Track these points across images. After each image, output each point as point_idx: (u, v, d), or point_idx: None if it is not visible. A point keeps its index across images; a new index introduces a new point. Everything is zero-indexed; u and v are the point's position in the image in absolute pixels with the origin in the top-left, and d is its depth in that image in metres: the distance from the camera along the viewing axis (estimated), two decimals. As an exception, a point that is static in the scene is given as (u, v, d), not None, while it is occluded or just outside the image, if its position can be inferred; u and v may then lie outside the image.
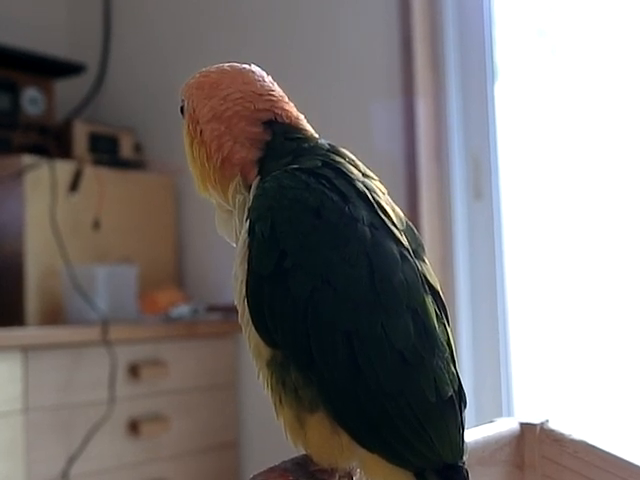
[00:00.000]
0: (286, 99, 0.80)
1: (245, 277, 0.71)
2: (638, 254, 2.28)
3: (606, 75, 2.34)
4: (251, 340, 0.71)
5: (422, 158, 2.40)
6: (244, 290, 0.71)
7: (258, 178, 0.75)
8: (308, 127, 0.80)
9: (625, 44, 2.31)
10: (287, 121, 0.78)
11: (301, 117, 0.80)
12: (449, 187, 2.44)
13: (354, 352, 0.67)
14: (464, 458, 0.69)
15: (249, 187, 0.76)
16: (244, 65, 0.81)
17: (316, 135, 0.79)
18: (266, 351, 0.70)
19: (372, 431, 0.67)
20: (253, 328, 0.71)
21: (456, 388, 0.70)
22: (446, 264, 2.42)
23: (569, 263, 2.38)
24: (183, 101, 0.81)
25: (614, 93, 2.32)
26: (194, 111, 0.79)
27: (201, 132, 0.78)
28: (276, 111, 0.78)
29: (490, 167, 2.40)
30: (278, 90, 0.80)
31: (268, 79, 0.80)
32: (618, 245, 2.31)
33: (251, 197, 0.74)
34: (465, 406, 0.71)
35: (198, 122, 0.78)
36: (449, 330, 0.73)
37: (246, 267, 0.71)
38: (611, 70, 2.33)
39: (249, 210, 0.73)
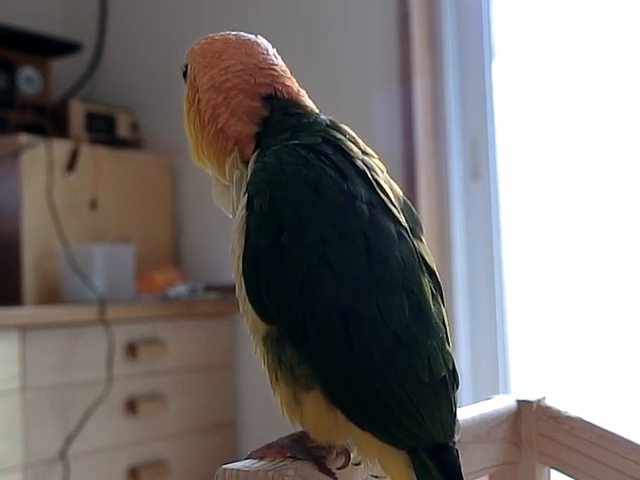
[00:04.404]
0: (288, 74, 0.79)
1: (242, 252, 0.71)
2: (632, 233, 2.28)
3: (603, 54, 2.33)
4: (248, 315, 0.71)
5: (419, 138, 2.40)
6: (241, 265, 0.71)
7: (257, 152, 0.74)
8: (309, 103, 0.79)
9: (622, 24, 2.31)
10: (287, 96, 0.77)
11: (302, 92, 0.79)
12: (446, 167, 2.43)
13: (348, 330, 0.67)
14: (456, 438, 0.69)
15: (246, 162, 0.75)
16: (250, 36, 0.80)
17: (317, 111, 0.79)
18: (262, 327, 0.70)
19: (364, 410, 0.67)
20: (249, 303, 0.71)
21: (450, 368, 0.70)
22: (443, 244, 2.42)
23: (565, 243, 2.39)
24: (186, 65, 0.81)
25: (611, 72, 2.32)
26: (194, 78, 0.79)
27: (198, 101, 0.78)
28: (277, 86, 0.77)
29: (487, 147, 2.40)
30: (281, 64, 0.79)
31: (272, 52, 0.80)
32: (614, 223, 2.32)
33: (249, 171, 0.74)
34: (458, 386, 0.71)
35: (197, 90, 0.78)
36: (444, 310, 0.73)
37: (243, 242, 0.71)
38: (608, 49, 2.33)
39: (247, 184, 0.72)
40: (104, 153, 2.65)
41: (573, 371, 2.38)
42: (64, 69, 2.88)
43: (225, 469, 0.67)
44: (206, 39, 0.80)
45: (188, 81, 0.80)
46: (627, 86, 2.29)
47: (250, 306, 0.70)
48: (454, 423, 0.69)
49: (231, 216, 0.76)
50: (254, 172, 0.72)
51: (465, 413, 0.87)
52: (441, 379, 0.68)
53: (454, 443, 0.69)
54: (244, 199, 0.72)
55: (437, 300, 0.72)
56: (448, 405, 0.69)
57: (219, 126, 0.76)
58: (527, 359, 2.41)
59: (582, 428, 0.93)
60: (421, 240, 0.74)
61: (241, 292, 0.71)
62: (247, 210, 0.71)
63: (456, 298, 2.39)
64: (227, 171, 0.77)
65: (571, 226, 2.38)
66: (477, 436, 0.88)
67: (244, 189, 0.73)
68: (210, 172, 0.80)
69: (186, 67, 0.81)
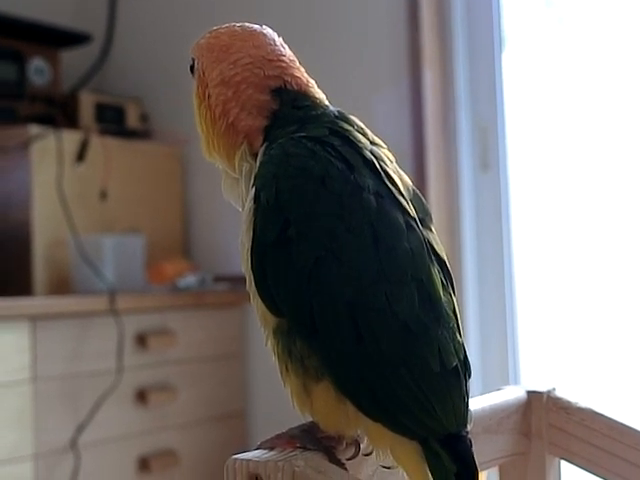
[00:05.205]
0: (297, 63, 0.79)
1: (250, 245, 0.71)
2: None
3: (613, 44, 2.33)
4: (258, 308, 0.71)
5: (429, 129, 2.39)
6: (249, 258, 0.71)
7: (265, 145, 0.74)
8: (318, 94, 0.79)
9: (632, 13, 2.30)
10: (296, 88, 0.77)
11: (311, 83, 0.79)
12: (456, 158, 2.43)
13: (357, 322, 0.66)
14: (468, 427, 0.69)
15: (254, 155, 0.75)
16: (255, 26, 0.79)
17: (326, 102, 0.78)
18: (272, 319, 0.70)
19: (374, 401, 0.67)
20: (259, 297, 0.71)
21: (461, 358, 0.69)
22: (453, 235, 2.42)
23: (575, 233, 2.38)
24: (193, 60, 0.80)
25: (622, 62, 2.31)
26: (203, 73, 0.78)
27: (209, 96, 0.77)
28: (286, 78, 0.77)
29: (497, 138, 2.39)
30: (289, 54, 0.79)
31: (279, 42, 0.79)
32: (625, 215, 2.31)
33: (257, 164, 0.73)
34: (470, 376, 0.71)
35: (207, 85, 0.78)
36: (455, 299, 0.72)
37: (251, 235, 0.71)
38: (618, 39, 2.32)
39: (255, 177, 0.72)
40: (114, 144, 2.65)
41: (583, 362, 2.37)
42: (74, 60, 2.88)
43: (235, 459, 0.68)
44: (211, 33, 0.80)
45: (197, 76, 0.79)
46: (638, 76, 2.28)
47: (260, 299, 0.71)
48: (467, 412, 0.69)
49: (241, 209, 0.75)
50: (261, 165, 0.72)
51: (475, 404, 0.87)
52: (452, 369, 0.68)
53: (467, 432, 0.69)
54: (252, 192, 0.72)
55: (447, 290, 0.72)
56: (460, 395, 0.68)
57: (230, 121, 0.76)
58: (537, 350, 2.41)
59: (593, 419, 0.93)
60: (431, 230, 0.74)
61: (251, 285, 0.71)
62: (255, 203, 0.71)
63: (466, 289, 2.39)
64: (236, 164, 0.76)
65: (581, 217, 2.37)
66: (487, 427, 0.88)
67: (252, 182, 0.73)
68: (220, 166, 0.80)
69: (193, 61, 0.81)
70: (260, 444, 0.71)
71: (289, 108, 0.76)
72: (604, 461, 0.92)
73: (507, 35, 2.44)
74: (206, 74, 0.78)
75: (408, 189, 0.75)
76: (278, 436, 0.71)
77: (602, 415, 0.93)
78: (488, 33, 2.41)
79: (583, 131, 2.37)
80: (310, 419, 0.71)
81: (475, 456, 0.68)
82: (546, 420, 0.95)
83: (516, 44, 2.46)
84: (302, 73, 0.79)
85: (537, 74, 2.45)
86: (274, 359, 0.71)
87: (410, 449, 0.68)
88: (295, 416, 0.73)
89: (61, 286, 2.47)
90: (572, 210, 2.38)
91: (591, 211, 2.35)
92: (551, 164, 2.42)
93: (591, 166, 2.35)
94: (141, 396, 2.37)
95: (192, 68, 0.81)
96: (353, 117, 0.77)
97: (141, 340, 2.38)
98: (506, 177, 2.39)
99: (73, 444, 2.20)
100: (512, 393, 0.95)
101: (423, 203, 0.75)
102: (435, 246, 0.73)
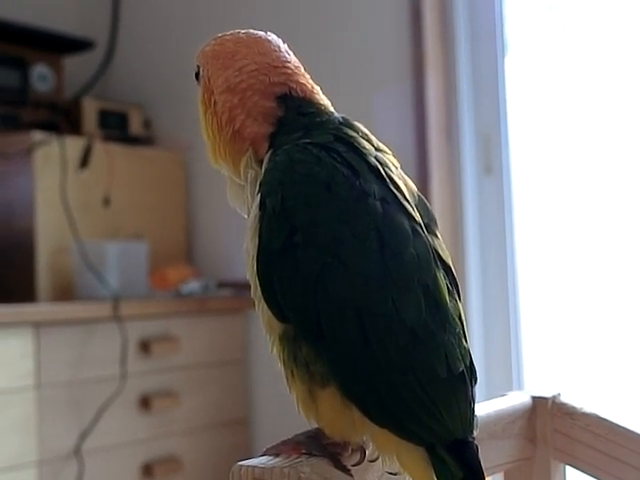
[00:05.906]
0: (302, 70, 0.79)
1: (256, 252, 0.71)
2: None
3: (617, 49, 2.32)
4: (263, 314, 0.71)
5: (432, 133, 2.39)
6: (255, 265, 0.71)
7: (270, 152, 0.74)
8: (323, 100, 0.79)
9: (635, 16, 2.30)
10: (301, 95, 0.77)
11: (316, 89, 0.79)
12: (459, 162, 2.43)
13: (364, 328, 0.66)
14: (475, 433, 0.69)
15: (260, 162, 0.75)
16: (260, 33, 0.80)
17: (331, 108, 0.78)
18: (278, 326, 0.70)
19: (381, 407, 0.67)
20: (265, 303, 0.71)
21: (467, 363, 0.69)
22: (456, 239, 2.42)
23: (578, 237, 2.38)
24: (198, 67, 0.80)
25: (625, 66, 2.31)
26: (209, 81, 0.78)
27: (214, 103, 0.78)
28: (291, 85, 0.77)
29: (500, 142, 2.39)
30: (294, 60, 0.79)
31: (284, 48, 0.79)
32: (628, 218, 2.31)
33: (263, 170, 0.73)
34: (476, 381, 0.71)
35: (212, 92, 0.78)
36: (460, 305, 0.73)
37: (257, 242, 0.70)
38: (622, 43, 2.32)
39: (260, 184, 0.72)
40: (117, 150, 2.65)
41: (587, 367, 2.37)
42: (77, 66, 2.89)
43: (241, 465, 0.67)
44: (216, 40, 0.80)
45: (202, 83, 0.80)
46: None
47: (265, 306, 0.70)
48: (473, 418, 0.69)
49: (246, 216, 0.75)
50: (266, 172, 0.72)
51: (480, 409, 0.87)
52: (459, 374, 0.68)
53: (473, 438, 0.69)
54: (257, 199, 0.72)
55: (453, 296, 0.72)
56: (466, 400, 0.68)
57: (236, 127, 0.76)
58: (541, 355, 2.40)
59: (597, 424, 0.93)
60: (436, 235, 0.74)
61: (256, 292, 0.71)
62: (260, 210, 0.71)
63: (469, 294, 2.38)
64: (242, 171, 0.76)
65: (584, 220, 2.37)
66: (492, 432, 0.88)
67: (258, 188, 0.73)
68: (225, 173, 0.80)
69: (198, 68, 0.81)
70: (266, 450, 0.71)
71: (294, 115, 0.76)
72: (609, 466, 0.92)
73: (510, 39, 2.44)
74: (212, 81, 0.78)
75: (413, 195, 0.75)
76: (284, 442, 0.71)
77: (607, 420, 0.93)
78: (491, 38, 2.41)
79: (586, 135, 2.37)
80: (316, 425, 0.71)
81: (482, 462, 0.68)
82: (551, 425, 0.95)
83: (519, 48, 2.46)
84: (307, 79, 0.79)
85: (540, 78, 2.45)
86: (279, 365, 0.71)
87: (416, 455, 0.68)
88: (299, 422, 0.73)
89: (65, 292, 2.48)
90: (575, 214, 2.38)
91: (595, 215, 2.35)
92: (554, 168, 2.42)
93: (594, 170, 2.35)
94: (145, 402, 2.37)
95: (197, 75, 0.81)
96: (358, 123, 0.77)
97: (145, 346, 2.39)
98: (509, 181, 2.39)
99: (77, 450, 2.20)
100: (517, 399, 0.95)
101: (428, 208, 0.75)
102: (440, 252, 0.73)
